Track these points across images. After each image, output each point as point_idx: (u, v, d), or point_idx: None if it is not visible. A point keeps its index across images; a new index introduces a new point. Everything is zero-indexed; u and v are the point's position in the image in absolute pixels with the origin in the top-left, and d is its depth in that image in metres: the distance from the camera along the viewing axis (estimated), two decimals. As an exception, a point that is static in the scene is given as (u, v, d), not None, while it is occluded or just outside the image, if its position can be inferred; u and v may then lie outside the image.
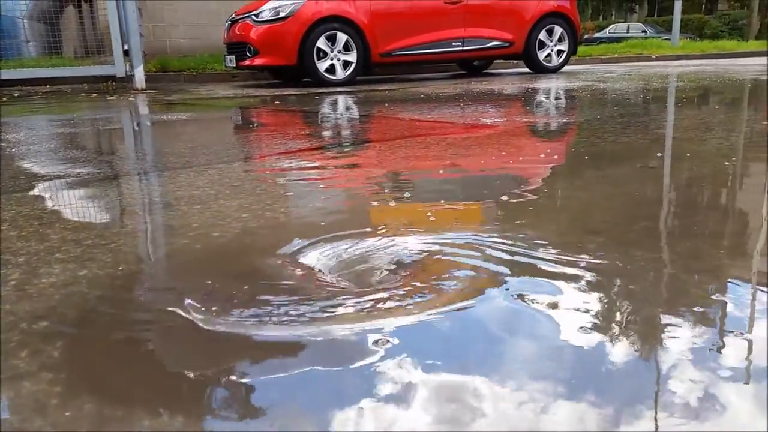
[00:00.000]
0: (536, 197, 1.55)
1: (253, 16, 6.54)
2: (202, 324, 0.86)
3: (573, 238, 1.20)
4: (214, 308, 0.91)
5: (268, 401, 0.69)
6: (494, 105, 4.05)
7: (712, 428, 0.61)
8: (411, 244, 1.18)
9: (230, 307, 0.92)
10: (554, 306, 0.90)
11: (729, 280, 0.99)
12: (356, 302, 0.92)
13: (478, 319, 0.87)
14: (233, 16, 6.97)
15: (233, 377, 0.73)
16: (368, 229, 1.28)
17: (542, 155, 2.19)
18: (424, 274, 1.03)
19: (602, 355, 0.76)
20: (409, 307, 0.90)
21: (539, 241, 1.17)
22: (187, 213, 1.46)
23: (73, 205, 1.63)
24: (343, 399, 0.68)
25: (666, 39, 15.88)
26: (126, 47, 6.42)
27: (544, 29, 7.65)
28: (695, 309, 0.88)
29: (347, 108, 4.28)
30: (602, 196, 1.57)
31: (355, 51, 6.59)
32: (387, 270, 1.05)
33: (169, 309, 0.92)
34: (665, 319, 0.85)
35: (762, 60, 10.18)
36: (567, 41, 7.85)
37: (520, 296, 0.93)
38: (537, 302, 0.91)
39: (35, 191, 1.76)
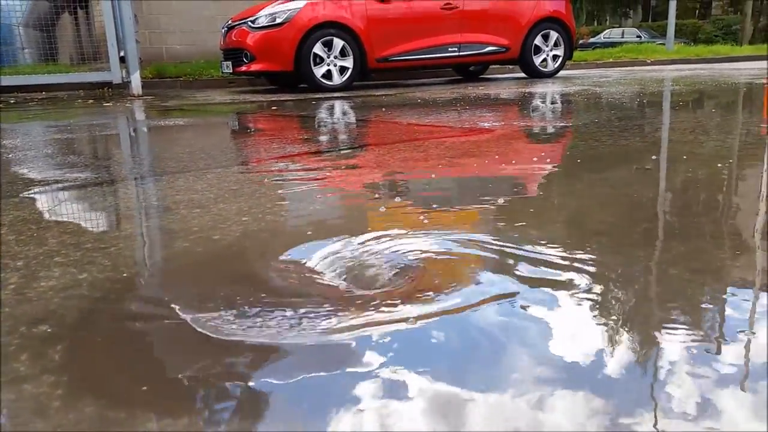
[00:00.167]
0: (537, 199, 1.55)
1: (249, 22, 6.54)
2: (202, 327, 0.86)
3: (576, 239, 1.20)
4: (214, 311, 0.91)
5: (268, 403, 0.69)
6: (491, 109, 4.05)
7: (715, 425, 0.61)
8: (413, 246, 1.17)
9: (231, 310, 0.91)
10: (560, 302, 0.89)
11: (735, 279, 0.99)
12: (362, 304, 0.91)
13: (482, 320, 0.86)
14: (229, 22, 6.98)
15: (236, 380, 0.73)
16: (370, 232, 1.27)
17: (542, 158, 2.20)
18: (427, 276, 1.03)
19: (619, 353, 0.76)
20: (412, 307, 0.89)
21: (542, 241, 1.17)
22: (187, 216, 1.45)
23: (72, 209, 1.62)
24: (351, 399, 0.68)
25: (661, 44, 15.96)
26: (122, 54, 6.42)
27: (539, 34, 7.68)
28: (702, 306, 0.88)
29: (345, 113, 4.29)
30: (602, 197, 1.57)
31: (351, 56, 6.60)
32: (390, 272, 1.05)
33: (170, 312, 0.91)
34: (672, 313, 0.85)
35: (756, 64, 10.23)
36: (563, 46, 7.88)
37: (526, 295, 0.93)
38: (543, 300, 0.91)
39: (33, 196, 1.75)
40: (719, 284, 0.97)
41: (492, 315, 0.88)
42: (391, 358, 0.76)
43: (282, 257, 1.14)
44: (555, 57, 7.90)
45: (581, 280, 0.98)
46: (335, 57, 6.55)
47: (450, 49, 7.23)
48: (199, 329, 0.85)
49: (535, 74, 7.86)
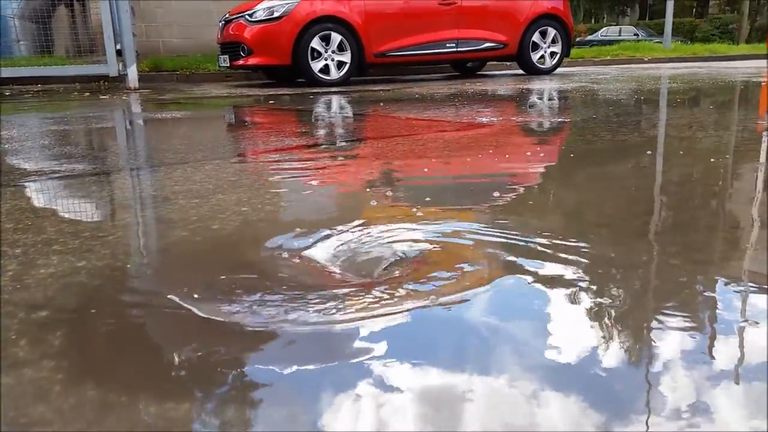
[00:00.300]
0: (537, 192, 1.55)
1: (246, 16, 6.52)
2: (201, 313, 0.86)
3: (577, 230, 1.20)
4: (213, 297, 0.91)
5: (267, 388, 0.69)
6: (489, 105, 4.05)
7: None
8: (413, 236, 1.17)
9: (230, 296, 0.91)
10: (562, 288, 0.90)
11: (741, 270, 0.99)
12: (363, 292, 0.91)
13: (483, 307, 0.87)
14: (227, 15, 6.95)
15: (236, 365, 0.73)
16: (369, 222, 1.27)
17: (542, 153, 2.20)
18: (426, 265, 1.03)
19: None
20: (411, 296, 0.89)
21: (545, 232, 1.17)
22: (186, 206, 1.45)
23: (70, 199, 1.61)
24: (354, 385, 0.68)
25: (658, 42, 15.98)
26: (119, 47, 6.38)
27: (537, 31, 7.68)
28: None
29: (342, 107, 4.28)
30: (602, 191, 1.58)
31: (349, 51, 6.59)
32: (390, 261, 1.04)
33: (170, 298, 0.91)
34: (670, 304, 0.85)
35: (752, 63, 10.26)
36: (560, 43, 7.89)
37: (528, 280, 0.93)
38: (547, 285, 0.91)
39: (31, 185, 1.74)
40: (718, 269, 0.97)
41: (499, 297, 0.88)
42: (395, 343, 0.76)
43: (281, 245, 1.14)
44: (553, 54, 7.90)
45: (586, 266, 0.98)
46: (333, 52, 6.54)
47: (448, 45, 7.22)
48: (199, 315, 0.85)
49: (532, 71, 7.86)
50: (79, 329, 0.83)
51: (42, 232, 1.25)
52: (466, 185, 1.70)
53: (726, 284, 0.93)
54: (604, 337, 0.78)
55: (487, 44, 7.45)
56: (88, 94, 5.99)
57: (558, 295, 0.90)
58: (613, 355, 0.73)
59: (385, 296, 0.89)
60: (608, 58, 11.75)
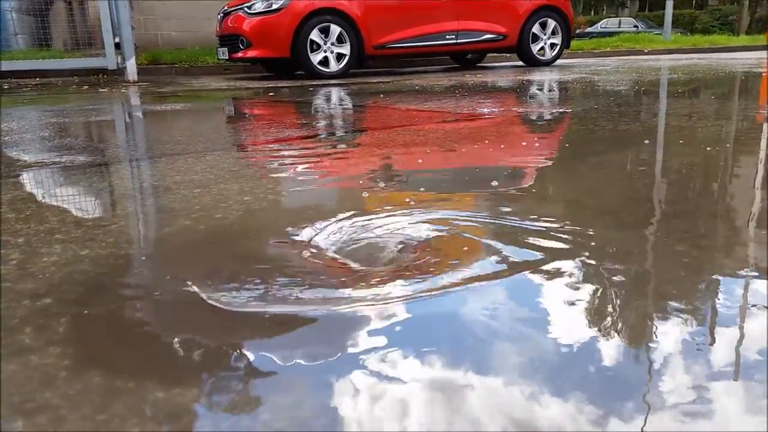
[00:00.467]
0: (541, 180, 1.54)
1: (245, 8, 6.49)
2: (205, 299, 0.85)
3: (583, 217, 1.20)
4: (217, 284, 0.90)
5: (273, 375, 0.68)
6: (490, 96, 4.04)
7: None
8: (417, 224, 1.17)
9: (233, 283, 0.90)
10: (568, 278, 0.90)
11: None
12: (368, 279, 0.91)
13: (486, 293, 0.86)
14: (225, 8, 6.92)
15: (241, 351, 0.72)
16: (373, 211, 1.27)
17: (542, 142, 2.19)
18: (431, 252, 1.02)
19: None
20: (416, 283, 0.89)
21: (548, 218, 1.17)
22: (188, 196, 1.44)
23: (72, 189, 1.61)
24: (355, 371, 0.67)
25: (658, 33, 15.93)
26: (117, 40, 6.36)
27: (537, 22, 7.66)
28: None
29: (342, 99, 4.27)
30: (604, 179, 1.57)
31: (348, 43, 6.56)
32: (395, 249, 1.04)
33: (174, 285, 0.91)
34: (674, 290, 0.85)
35: (752, 54, 10.24)
36: (560, 34, 7.86)
37: (532, 270, 0.93)
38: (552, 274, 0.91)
39: (32, 176, 1.74)
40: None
41: (504, 286, 0.88)
42: (399, 326, 0.76)
43: (282, 233, 1.13)
44: (552, 45, 7.88)
45: (591, 251, 0.98)
46: (332, 44, 6.52)
47: (447, 37, 7.20)
48: (204, 301, 0.85)
49: (532, 62, 7.84)
50: (83, 316, 0.83)
51: (44, 222, 1.25)
52: (468, 173, 1.69)
53: (734, 271, 0.93)
54: (611, 320, 0.78)
55: (487, 36, 7.42)
56: (86, 87, 5.97)
57: (563, 281, 0.90)
58: (620, 337, 0.73)
59: (394, 281, 0.89)
60: (608, 49, 11.72)
